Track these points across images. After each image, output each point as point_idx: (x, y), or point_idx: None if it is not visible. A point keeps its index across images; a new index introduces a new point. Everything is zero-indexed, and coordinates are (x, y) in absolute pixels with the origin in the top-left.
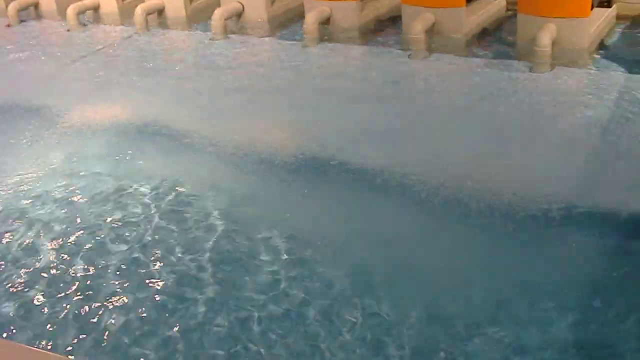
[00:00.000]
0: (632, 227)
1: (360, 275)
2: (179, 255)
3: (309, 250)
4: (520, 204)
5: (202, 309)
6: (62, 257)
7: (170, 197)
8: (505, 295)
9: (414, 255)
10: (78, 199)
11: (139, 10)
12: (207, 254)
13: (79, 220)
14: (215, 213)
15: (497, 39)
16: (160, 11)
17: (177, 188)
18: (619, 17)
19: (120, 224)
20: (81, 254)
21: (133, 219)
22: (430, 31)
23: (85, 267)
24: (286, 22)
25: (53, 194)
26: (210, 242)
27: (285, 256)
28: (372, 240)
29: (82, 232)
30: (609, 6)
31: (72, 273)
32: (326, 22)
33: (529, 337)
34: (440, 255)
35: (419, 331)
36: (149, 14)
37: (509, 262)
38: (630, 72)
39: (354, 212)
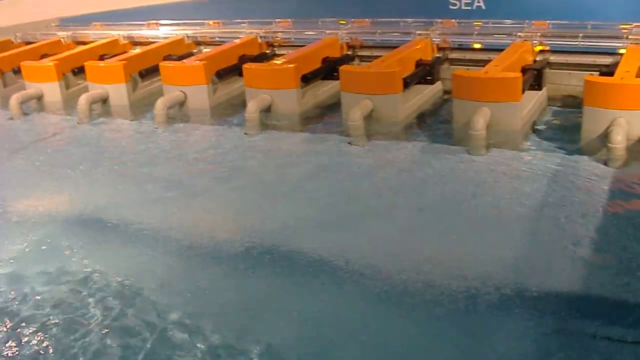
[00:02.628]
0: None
1: None
2: None
3: None
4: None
5: None
6: None
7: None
8: None
9: None
10: None
11: (82, 99)
12: None
13: None
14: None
15: (435, 123)
16: (105, 100)
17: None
18: (550, 99)
19: None
20: None
21: None
22: (369, 117)
23: None
24: (229, 111)
25: None
26: None
27: None
28: None
29: None
30: (540, 89)
31: None
32: (267, 109)
33: None
34: None
35: None
36: (92, 103)
37: None
38: (561, 151)
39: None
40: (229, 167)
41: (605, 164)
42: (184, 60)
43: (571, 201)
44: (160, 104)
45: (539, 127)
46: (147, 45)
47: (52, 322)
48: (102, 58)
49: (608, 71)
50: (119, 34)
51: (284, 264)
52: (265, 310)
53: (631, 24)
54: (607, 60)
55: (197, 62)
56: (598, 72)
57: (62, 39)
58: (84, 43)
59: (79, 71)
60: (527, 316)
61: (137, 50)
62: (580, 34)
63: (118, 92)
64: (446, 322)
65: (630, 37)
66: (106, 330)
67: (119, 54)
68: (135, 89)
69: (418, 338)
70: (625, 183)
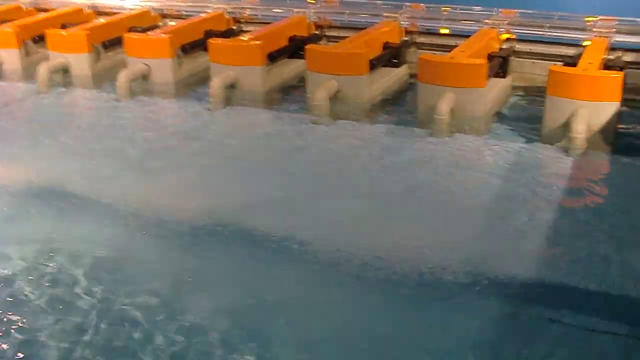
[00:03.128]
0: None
1: None
2: None
3: None
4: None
5: None
6: None
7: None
8: None
9: None
10: None
11: (42, 68)
12: None
13: None
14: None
15: (400, 106)
16: (66, 70)
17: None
18: (515, 87)
19: None
20: None
21: None
22: (334, 97)
23: None
24: (193, 85)
25: None
26: None
27: None
28: None
29: None
30: (505, 76)
31: None
32: (232, 86)
33: None
34: None
35: None
36: (53, 72)
37: None
38: (522, 139)
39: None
40: (188, 143)
41: (566, 152)
42: (148, 33)
43: (530, 188)
44: (123, 76)
45: (502, 114)
46: (111, 15)
47: None
48: (64, 26)
49: (572, 62)
50: (83, 3)
51: (236, 240)
52: (201, 283)
53: (596, 17)
54: (571, 51)
55: (162, 35)
56: (562, 63)
57: (22, 5)
58: (46, 10)
59: (40, 39)
60: (483, 300)
61: (101, 20)
62: (547, 24)
63: (80, 62)
64: (400, 303)
65: (594, 29)
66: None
67: (82, 23)
68: (98, 59)
69: (361, 315)
70: (584, 172)
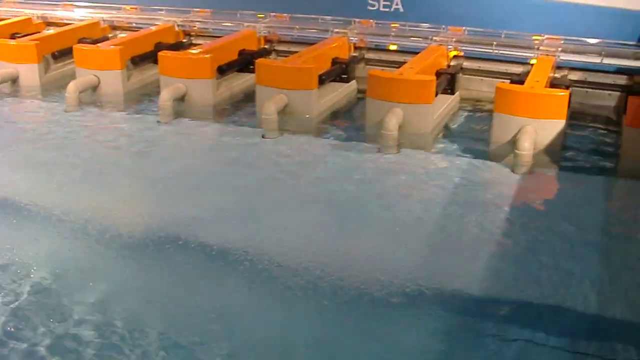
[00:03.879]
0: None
1: None
2: None
3: None
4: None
5: None
6: None
7: None
8: None
9: None
10: None
11: None
12: None
13: None
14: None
15: (348, 121)
16: (14, 80)
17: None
18: (463, 104)
19: None
20: None
21: None
22: (283, 112)
23: None
24: (142, 98)
25: None
26: None
27: None
28: None
29: None
30: (453, 93)
31: None
32: (182, 98)
33: None
34: None
35: None
36: (1, 82)
37: None
38: (469, 155)
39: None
40: (137, 155)
41: (512, 170)
42: (98, 44)
43: (475, 204)
44: (72, 87)
45: (450, 131)
46: (61, 26)
47: None
48: (13, 37)
49: (519, 80)
50: (32, 13)
51: (185, 254)
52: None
53: (542, 36)
54: (518, 69)
55: (112, 46)
56: (509, 80)
57: None
58: None
59: None
60: (431, 316)
61: (51, 31)
62: (494, 42)
63: (29, 73)
64: (352, 318)
65: (541, 48)
66: None
67: (32, 34)
68: (48, 70)
69: (319, 330)
70: (530, 190)
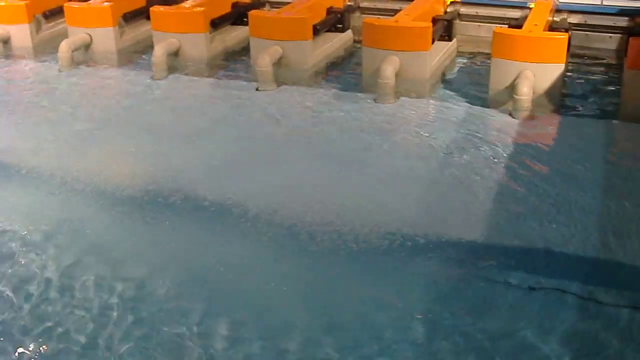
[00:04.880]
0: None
1: None
2: None
3: None
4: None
5: None
6: None
7: None
8: None
9: None
10: None
11: None
12: None
13: None
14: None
15: (344, 71)
16: (6, 41)
17: None
18: (460, 50)
19: None
20: None
21: None
22: (278, 63)
23: None
24: (136, 54)
25: None
26: None
27: None
28: None
29: None
30: (450, 39)
31: None
32: (176, 54)
33: None
34: None
35: None
36: None
37: None
38: (468, 101)
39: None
40: (131, 112)
41: (511, 115)
42: (89, 2)
43: (475, 151)
44: (64, 46)
45: (447, 78)
46: None
47: None
48: None
49: (517, 24)
50: None
51: (178, 208)
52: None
53: None
54: (516, 13)
55: (103, 3)
56: (507, 25)
57: None
58: None
59: None
60: (435, 262)
61: None
62: None
63: (21, 33)
64: (351, 265)
65: None
66: None
67: None
68: (39, 30)
69: (320, 281)
70: (529, 134)
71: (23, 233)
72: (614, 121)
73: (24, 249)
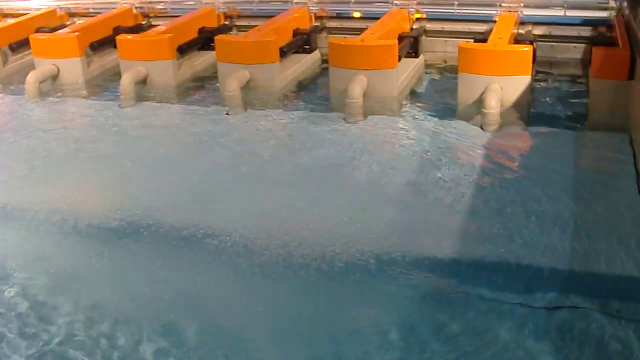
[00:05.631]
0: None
1: None
2: None
3: None
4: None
5: None
6: None
7: None
8: None
9: None
10: None
11: None
12: None
13: None
14: None
15: (312, 92)
16: None
17: None
18: (428, 66)
19: None
20: None
21: None
22: (247, 87)
23: None
24: (104, 83)
25: None
26: None
27: None
28: None
29: None
30: (417, 56)
31: None
32: (143, 81)
33: None
34: None
35: None
36: None
37: None
38: (437, 117)
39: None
40: (102, 141)
41: (481, 128)
42: (55, 33)
43: (446, 165)
44: (31, 77)
45: (416, 94)
46: (17, 17)
47: None
48: None
49: (482, 38)
50: None
51: (149, 236)
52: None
53: None
54: (481, 27)
55: (70, 33)
56: (473, 40)
57: None
58: None
59: None
60: (404, 280)
61: (8, 21)
62: (456, 2)
63: None
64: (320, 287)
65: (503, 4)
66: None
67: None
68: (6, 62)
69: (288, 304)
70: (500, 147)
71: None
72: (581, 131)
73: None
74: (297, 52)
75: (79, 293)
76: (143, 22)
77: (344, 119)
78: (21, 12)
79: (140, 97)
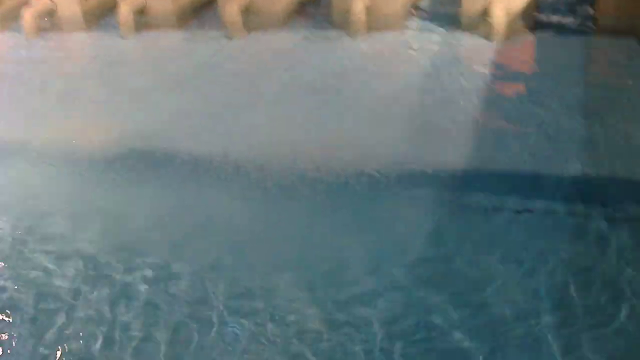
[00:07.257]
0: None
1: None
2: None
3: None
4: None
5: None
6: None
7: None
8: None
9: None
10: None
11: None
12: None
13: None
14: None
15: (315, 11)
16: None
17: None
18: None
19: None
20: None
21: None
22: (247, 10)
23: None
24: (102, 15)
25: None
26: None
27: None
28: None
29: None
30: None
31: None
32: (142, 11)
33: None
34: None
35: None
36: None
37: None
38: (442, 29)
39: None
40: (103, 71)
41: (487, 38)
42: None
43: (453, 78)
44: (28, 14)
45: (420, 7)
46: None
47: None
48: None
49: None
50: None
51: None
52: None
53: None
54: None
55: None
56: None
57: None
58: None
59: None
60: (419, 191)
61: None
62: None
63: None
64: (340, 202)
65: None
66: None
67: None
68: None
69: (304, 220)
70: (505, 56)
71: None
72: (589, 36)
73: None
74: None
75: None
76: None
77: (348, 36)
78: None
79: (140, 26)
